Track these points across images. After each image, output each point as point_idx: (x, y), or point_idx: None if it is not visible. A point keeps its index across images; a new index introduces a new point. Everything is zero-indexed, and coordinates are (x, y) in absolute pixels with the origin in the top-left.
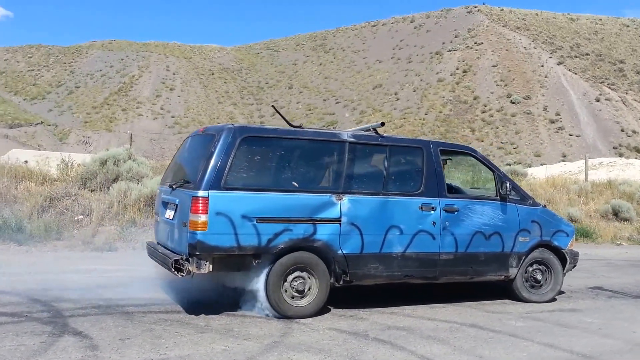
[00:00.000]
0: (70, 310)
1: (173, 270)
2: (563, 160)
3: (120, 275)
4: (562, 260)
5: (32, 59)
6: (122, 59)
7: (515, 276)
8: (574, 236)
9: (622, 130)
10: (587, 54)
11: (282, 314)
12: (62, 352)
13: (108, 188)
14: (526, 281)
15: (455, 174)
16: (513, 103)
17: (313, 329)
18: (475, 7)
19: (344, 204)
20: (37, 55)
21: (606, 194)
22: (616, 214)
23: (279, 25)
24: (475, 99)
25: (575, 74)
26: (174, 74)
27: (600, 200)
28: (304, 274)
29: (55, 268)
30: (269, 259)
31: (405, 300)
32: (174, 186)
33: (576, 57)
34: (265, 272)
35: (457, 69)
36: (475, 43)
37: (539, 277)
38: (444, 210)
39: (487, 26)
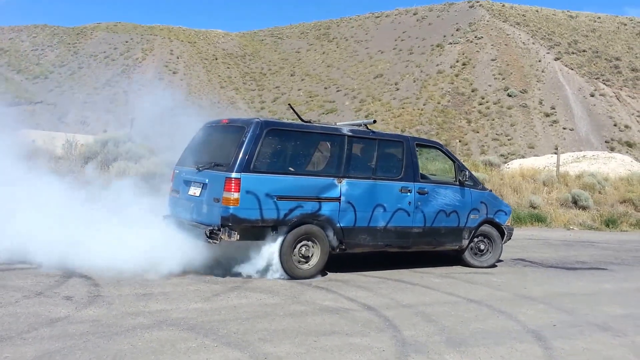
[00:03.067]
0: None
1: (208, 238)
2: (555, 153)
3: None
4: (502, 233)
5: (36, 39)
6: (126, 42)
7: (466, 246)
8: (510, 215)
9: (615, 125)
10: (584, 51)
11: (292, 276)
12: (72, 287)
13: (108, 167)
14: (472, 250)
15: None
16: (510, 96)
17: (269, 280)
18: (477, 1)
19: (343, 186)
20: (42, 35)
21: (571, 184)
22: (575, 202)
23: (284, 13)
24: (473, 91)
25: (572, 69)
26: (177, 58)
27: (564, 190)
28: (309, 243)
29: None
30: (284, 230)
31: (362, 266)
32: (200, 168)
33: (573, 53)
34: (279, 240)
35: (457, 61)
36: (475, 37)
37: (482, 246)
38: (417, 192)
39: (487, 21)
